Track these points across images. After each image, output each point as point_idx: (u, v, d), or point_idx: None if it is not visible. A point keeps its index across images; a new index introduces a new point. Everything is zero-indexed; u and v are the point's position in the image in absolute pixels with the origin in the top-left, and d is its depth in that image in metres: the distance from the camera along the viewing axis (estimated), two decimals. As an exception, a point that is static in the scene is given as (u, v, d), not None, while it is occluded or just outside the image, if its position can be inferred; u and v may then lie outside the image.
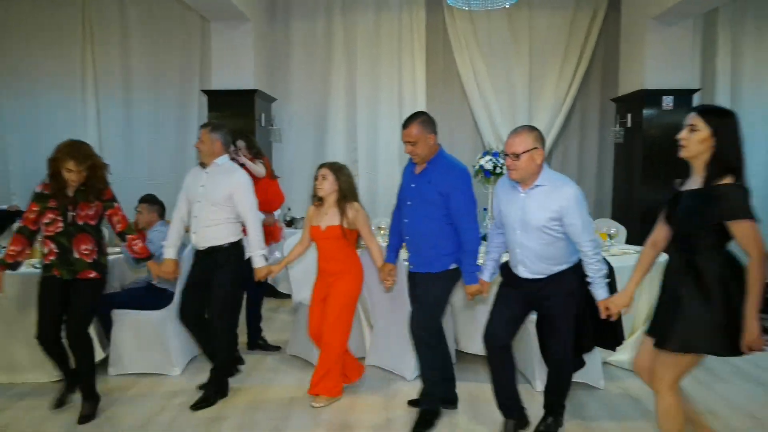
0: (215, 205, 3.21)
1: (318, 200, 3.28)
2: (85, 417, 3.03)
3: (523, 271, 2.67)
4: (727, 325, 2.07)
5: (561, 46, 6.28)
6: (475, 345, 3.75)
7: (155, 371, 3.67)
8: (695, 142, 2.17)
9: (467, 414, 3.15)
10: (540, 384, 3.42)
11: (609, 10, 6.26)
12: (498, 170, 4.71)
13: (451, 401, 3.19)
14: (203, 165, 3.32)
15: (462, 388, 3.47)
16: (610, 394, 3.40)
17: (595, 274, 2.58)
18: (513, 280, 2.75)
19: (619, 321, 2.81)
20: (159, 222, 3.93)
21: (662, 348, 2.19)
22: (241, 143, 4.10)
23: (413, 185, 2.92)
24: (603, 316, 2.56)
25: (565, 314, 2.67)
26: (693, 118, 2.19)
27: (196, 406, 3.20)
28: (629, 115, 5.86)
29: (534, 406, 3.05)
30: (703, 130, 2.15)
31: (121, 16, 6.25)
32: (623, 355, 3.73)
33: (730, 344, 2.08)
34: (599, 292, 2.58)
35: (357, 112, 6.39)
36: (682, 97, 5.60)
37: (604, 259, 2.71)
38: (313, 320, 3.31)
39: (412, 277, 3.04)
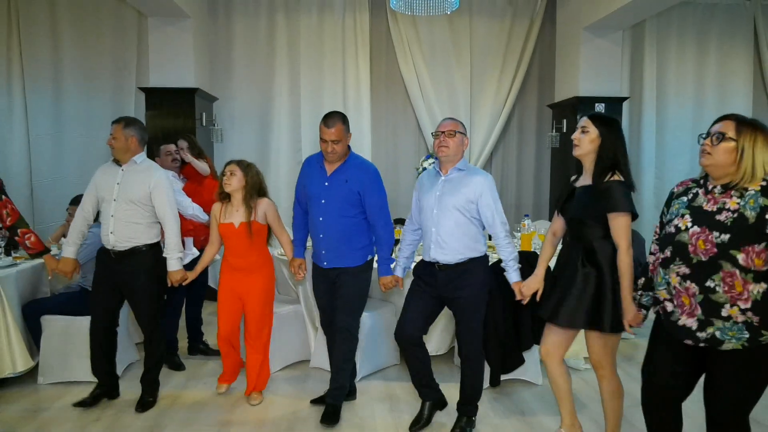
0: (134, 203, 3.10)
1: (225, 197, 3.23)
2: None
3: (434, 252, 2.78)
4: (615, 305, 2.37)
5: (500, 52, 6.48)
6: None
7: (89, 379, 3.50)
8: (586, 142, 2.45)
9: (411, 413, 3.19)
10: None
11: (545, 19, 6.51)
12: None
13: (353, 393, 3.36)
14: (118, 162, 3.20)
15: (406, 387, 3.52)
16: (547, 389, 3.53)
17: (507, 257, 2.78)
18: (426, 274, 2.86)
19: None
20: (93, 224, 3.76)
21: (595, 330, 2.44)
22: (183, 143, 3.99)
23: (327, 183, 2.98)
24: (518, 297, 2.75)
25: (475, 310, 2.81)
26: (584, 122, 2.48)
27: (140, 409, 3.20)
28: (564, 121, 6.12)
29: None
30: (593, 132, 2.42)
31: (50, 6, 5.93)
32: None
33: (613, 323, 2.38)
34: (512, 275, 2.77)
35: (301, 113, 6.34)
36: (613, 104, 5.90)
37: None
38: (223, 317, 3.25)
39: (326, 273, 3.08)
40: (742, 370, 1.91)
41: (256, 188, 3.20)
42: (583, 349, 3.93)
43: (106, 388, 3.30)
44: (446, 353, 3.97)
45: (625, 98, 6.06)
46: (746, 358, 1.88)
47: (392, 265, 3.06)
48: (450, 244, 2.75)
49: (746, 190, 1.89)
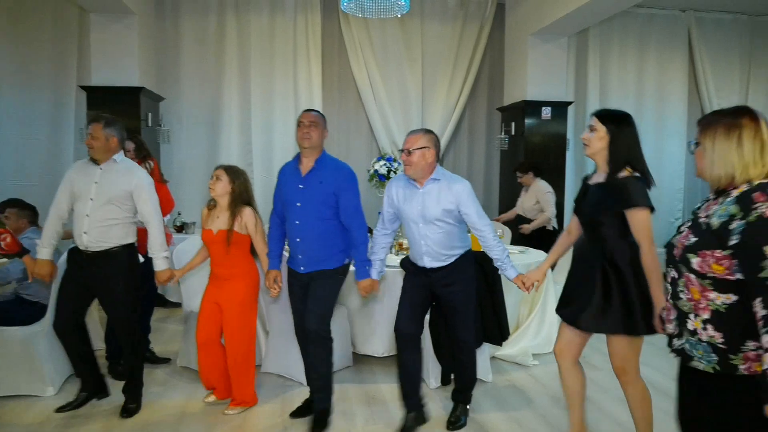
0: (111, 203, 2.99)
1: (212, 202, 3.18)
2: None
3: (428, 262, 2.83)
4: (642, 306, 2.25)
5: (451, 55, 6.58)
6: (372, 347, 3.82)
7: (26, 393, 3.33)
8: (596, 140, 2.39)
9: (364, 415, 3.19)
10: (434, 382, 3.55)
11: (494, 24, 6.66)
12: (392, 174, 4.82)
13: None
14: (95, 161, 3.07)
15: (359, 389, 3.51)
16: (497, 386, 3.61)
17: (500, 255, 2.81)
18: (415, 268, 2.90)
19: (504, 317, 3.02)
20: (30, 229, 3.59)
21: (614, 333, 2.33)
22: (129, 144, 3.86)
23: (301, 186, 2.92)
24: (522, 290, 2.77)
25: (467, 301, 2.87)
26: (592, 120, 2.42)
27: (125, 415, 3.12)
28: (513, 124, 6.27)
29: (429, 403, 3.16)
30: (601, 130, 2.37)
31: (-18, 1, 5.65)
32: (509, 349, 3.98)
33: (645, 325, 2.25)
34: (510, 271, 2.80)
35: (252, 114, 6.26)
36: (559, 108, 6.09)
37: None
38: (201, 323, 3.18)
39: (301, 277, 3.00)
40: (706, 396, 1.63)
41: (242, 196, 3.12)
42: (532, 347, 4.04)
43: (92, 389, 3.20)
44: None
45: (570, 102, 6.25)
46: (726, 388, 1.59)
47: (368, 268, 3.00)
48: (442, 251, 2.81)
49: (728, 196, 1.60)
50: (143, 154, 3.90)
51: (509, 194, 6.45)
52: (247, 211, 3.11)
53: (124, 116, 5.32)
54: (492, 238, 2.79)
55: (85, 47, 5.70)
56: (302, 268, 2.98)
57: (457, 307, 2.87)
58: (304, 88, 6.35)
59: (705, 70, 7.09)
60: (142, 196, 3.05)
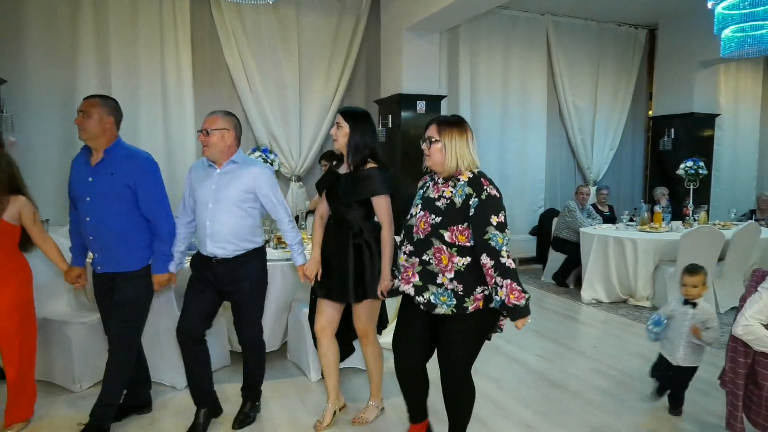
0: None
1: None
2: None
3: (210, 246, 2.73)
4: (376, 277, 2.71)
5: (328, 47, 6.55)
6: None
7: None
8: (342, 136, 2.68)
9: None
10: (315, 375, 3.52)
11: (371, 17, 6.72)
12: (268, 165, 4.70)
13: (148, 404, 3.12)
14: None
15: (237, 388, 3.40)
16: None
17: (292, 241, 2.87)
18: (203, 267, 2.80)
19: (383, 306, 3.07)
20: None
21: (357, 301, 2.75)
22: None
23: (90, 179, 2.67)
24: (302, 280, 2.89)
25: (254, 299, 2.86)
26: (338, 118, 2.71)
27: None
28: (390, 117, 6.38)
29: (310, 397, 3.13)
30: (345, 126, 2.66)
31: None
32: (388, 336, 4.05)
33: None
34: (297, 258, 2.88)
35: (113, 102, 5.76)
36: (433, 102, 6.30)
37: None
38: None
39: (100, 279, 2.78)
40: (456, 334, 2.33)
41: (7, 182, 2.73)
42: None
43: None
44: (278, 350, 3.91)
45: (443, 96, 6.49)
46: (458, 323, 2.30)
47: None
48: (227, 238, 2.72)
49: (459, 180, 2.29)
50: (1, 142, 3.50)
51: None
52: (21, 200, 2.74)
53: (-45, 101, 4.68)
54: (287, 223, 2.85)
55: None
56: (99, 267, 2.75)
57: (243, 306, 2.83)
58: (172, 75, 5.97)
59: (561, 70, 7.74)
60: None
